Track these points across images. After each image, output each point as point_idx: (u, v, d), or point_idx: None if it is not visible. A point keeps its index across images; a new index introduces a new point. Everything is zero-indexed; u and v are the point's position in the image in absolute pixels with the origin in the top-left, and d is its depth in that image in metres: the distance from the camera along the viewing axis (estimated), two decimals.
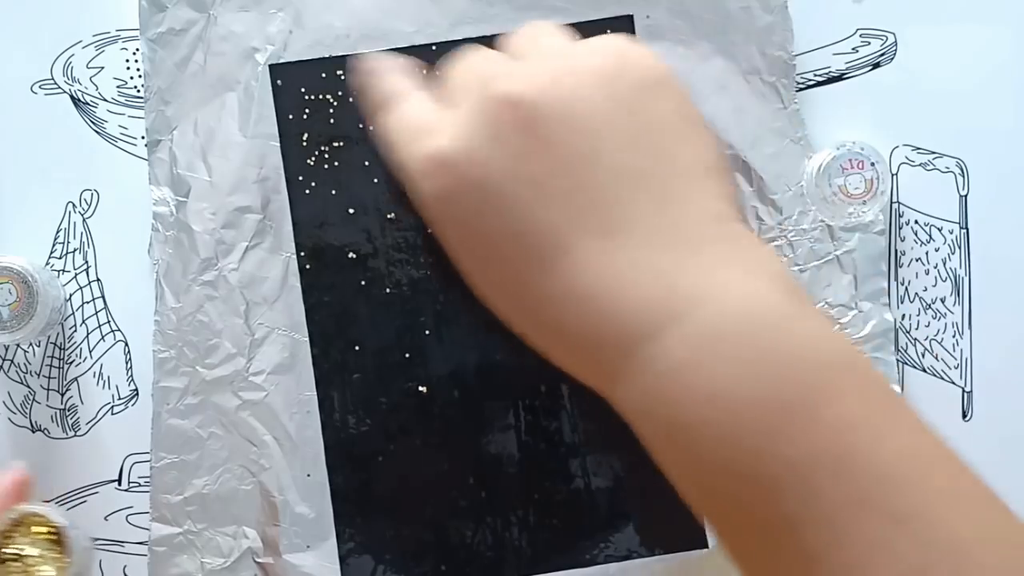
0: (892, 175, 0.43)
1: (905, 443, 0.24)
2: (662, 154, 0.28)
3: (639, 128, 0.28)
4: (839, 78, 0.44)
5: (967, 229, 0.44)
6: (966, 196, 0.44)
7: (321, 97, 0.42)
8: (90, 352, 0.43)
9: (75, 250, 0.43)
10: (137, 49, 0.43)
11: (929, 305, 0.44)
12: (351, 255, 0.42)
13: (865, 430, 0.24)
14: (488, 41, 0.42)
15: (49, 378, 0.43)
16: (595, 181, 0.27)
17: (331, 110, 0.42)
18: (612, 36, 0.30)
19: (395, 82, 0.33)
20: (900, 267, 0.44)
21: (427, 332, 0.42)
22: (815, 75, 0.43)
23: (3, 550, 0.37)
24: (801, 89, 0.43)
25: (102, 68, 0.43)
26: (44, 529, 0.38)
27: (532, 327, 0.29)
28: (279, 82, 0.42)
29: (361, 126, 0.42)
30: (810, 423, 0.24)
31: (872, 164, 0.42)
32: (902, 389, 0.43)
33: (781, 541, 0.24)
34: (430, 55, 0.42)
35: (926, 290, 0.44)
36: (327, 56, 0.42)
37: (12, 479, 0.38)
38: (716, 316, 0.26)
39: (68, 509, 0.43)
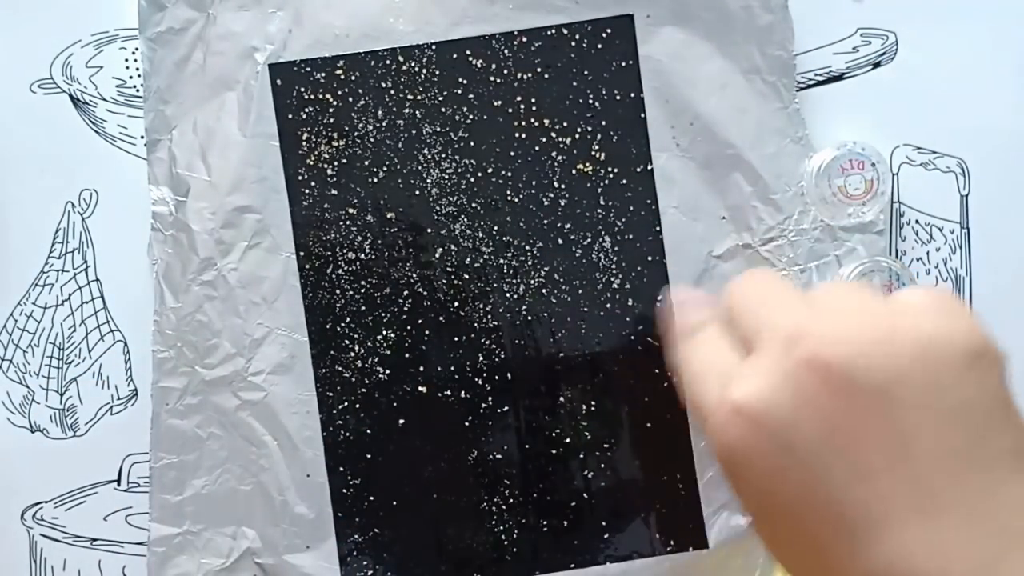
0: (893, 175, 0.43)
1: None
2: (981, 436, 0.27)
3: (959, 405, 0.27)
4: (840, 78, 0.44)
5: (968, 229, 0.43)
6: (967, 196, 0.43)
7: (321, 97, 0.42)
8: (89, 352, 0.43)
9: (74, 250, 0.43)
10: (136, 48, 0.43)
11: None
12: (351, 255, 0.42)
13: None
14: (488, 41, 0.42)
15: (48, 378, 0.43)
16: (913, 458, 0.26)
17: (331, 110, 0.42)
18: (926, 294, 0.28)
19: (695, 313, 0.33)
20: None
21: (427, 332, 0.42)
22: (815, 75, 0.43)
23: None
24: (801, 89, 0.43)
25: (101, 67, 0.43)
26: None
27: None
28: (279, 82, 0.42)
29: (361, 126, 0.42)
30: None
31: (872, 164, 0.42)
32: None
33: None
34: (430, 55, 0.42)
35: None
36: (327, 56, 0.42)
37: None
38: None
39: (67, 510, 0.43)
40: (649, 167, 0.42)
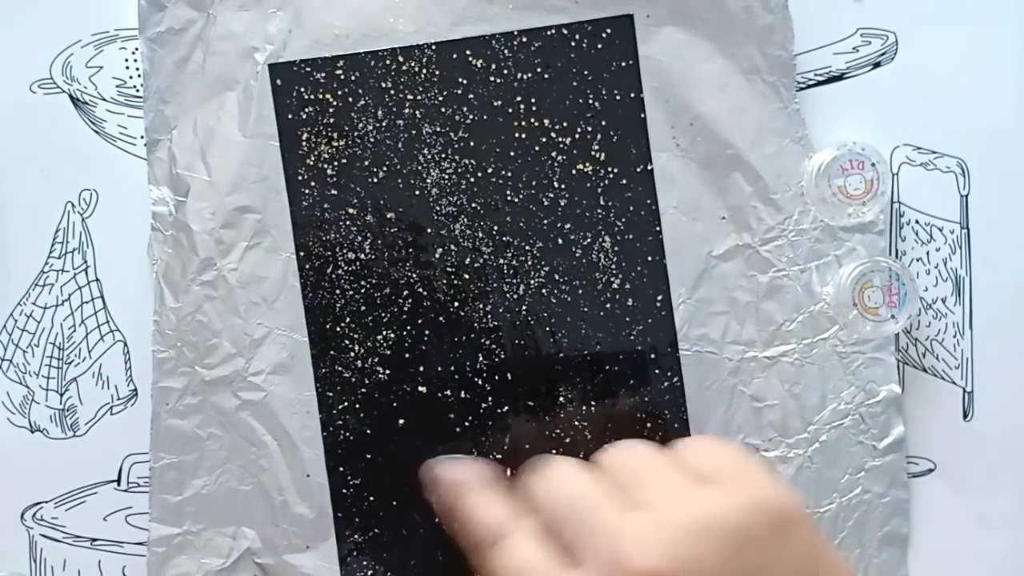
0: (893, 175, 0.43)
1: None
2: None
3: (796, 555, 0.29)
4: (839, 78, 0.44)
5: (968, 229, 0.43)
6: (967, 196, 0.43)
7: (321, 97, 0.42)
8: (89, 352, 0.43)
9: (74, 250, 0.43)
10: (136, 48, 0.43)
11: (930, 305, 0.44)
12: (351, 255, 0.42)
13: None
14: (488, 41, 0.42)
15: (48, 378, 0.43)
16: None
17: (331, 110, 0.42)
18: (734, 462, 0.31)
19: (490, 509, 0.34)
20: None
21: (427, 332, 0.42)
22: (815, 75, 0.43)
23: None
24: (801, 89, 0.43)
25: (101, 67, 0.43)
26: None
27: None
28: (279, 82, 0.42)
29: (361, 126, 0.42)
30: None
31: (872, 164, 0.42)
32: (903, 390, 0.43)
33: None
34: (430, 55, 0.42)
35: (927, 290, 0.44)
36: (327, 56, 0.42)
37: None
38: None
39: (67, 510, 0.43)
40: (649, 167, 0.42)
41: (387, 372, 0.42)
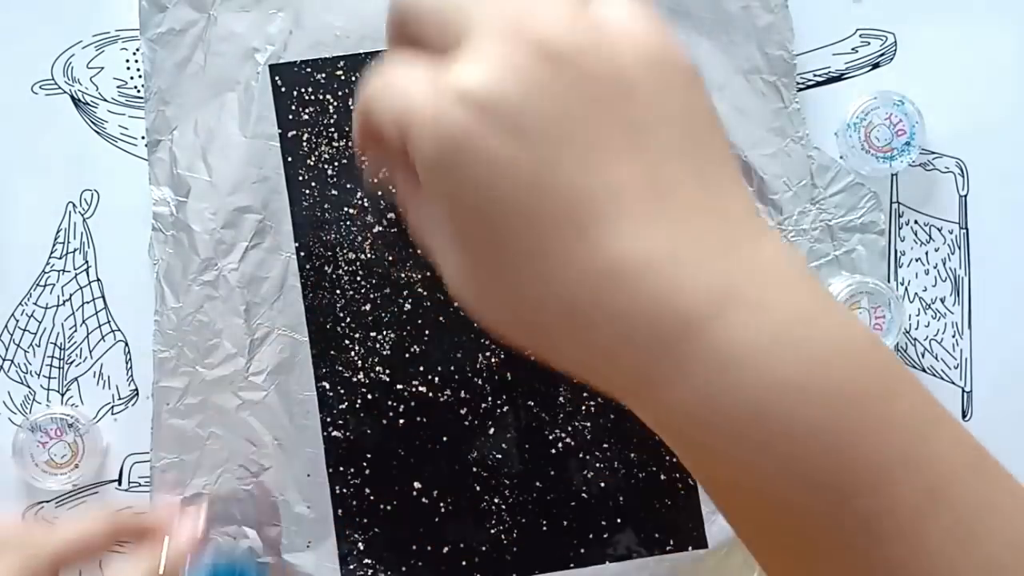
0: (892, 175, 0.43)
1: (968, 441, 0.25)
2: (707, 144, 0.25)
3: (690, 110, 0.25)
4: (839, 78, 0.44)
5: (967, 229, 0.44)
6: (966, 196, 0.44)
7: (321, 97, 0.42)
8: (90, 352, 0.43)
9: (75, 250, 0.43)
10: (137, 49, 0.43)
11: (929, 305, 0.44)
12: (351, 255, 0.42)
13: (935, 427, 0.24)
14: None
15: (49, 378, 0.43)
16: (646, 150, 0.24)
17: (331, 110, 0.42)
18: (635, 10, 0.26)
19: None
20: (900, 267, 0.44)
21: (427, 332, 0.42)
22: (815, 75, 0.43)
23: None
24: (801, 89, 0.43)
25: (102, 68, 0.43)
26: None
27: (553, 316, 0.25)
28: (279, 82, 0.42)
29: None
30: (884, 419, 0.23)
31: (903, 115, 0.42)
32: None
33: (852, 544, 0.23)
34: None
35: (926, 290, 0.44)
36: (327, 56, 0.42)
37: (196, 532, 0.38)
38: (785, 302, 0.24)
39: (68, 509, 0.43)
40: None
41: (387, 372, 0.42)
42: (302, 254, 0.42)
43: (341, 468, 0.42)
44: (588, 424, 0.42)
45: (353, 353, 0.42)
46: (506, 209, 0.25)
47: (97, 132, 0.43)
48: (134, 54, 0.43)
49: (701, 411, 0.24)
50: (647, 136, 0.25)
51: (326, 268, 0.42)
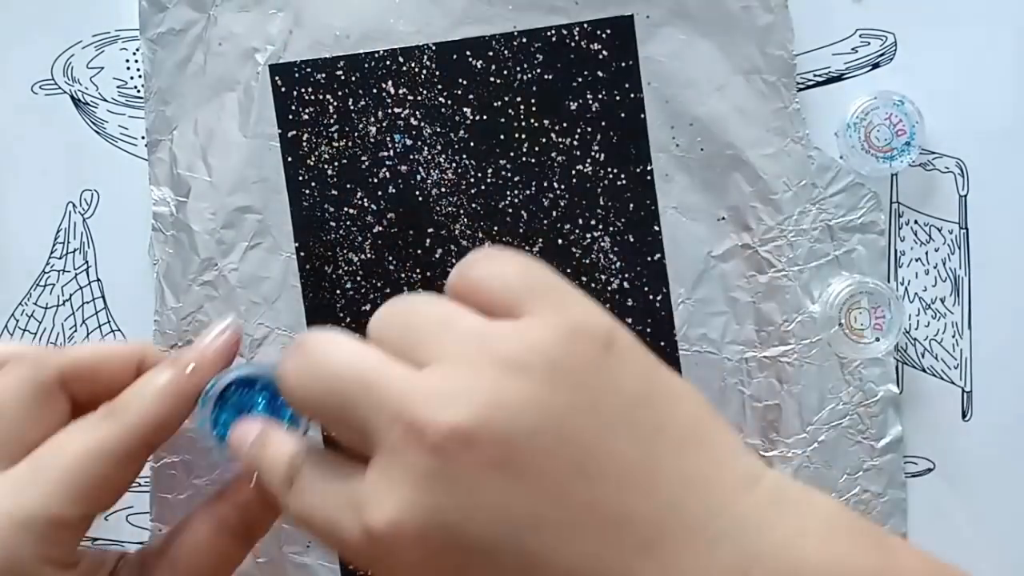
0: (892, 175, 0.43)
1: None
2: (657, 429, 0.23)
3: (617, 409, 0.23)
4: (839, 78, 0.44)
5: (967, 229, 0.44)
6: (966, 196, 0.44)
7: (321, 97, 0.42)
8: None
9: (75, 250, 0.43)
10: (137, 49, 0.43)
11: (929, 305, 0.44)
12: (351, 255, 0.42)
13: None
14: (488, 41, 0.42)
15: None
16: (606, 494, 0.23)
17: (331, 110, 0.42)
18: (534, 283, 0.25)
19: (280, 447, 0.28)
20: (900, 267, 0.44)
21: None
22: (815, 75, 0.43)
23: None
24: (801, 89, 0.43)
25: (102, 68, 0.43)
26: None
27: None
28: (279, 82, 0.42)
29: (361, 126, 0.42)
30: None
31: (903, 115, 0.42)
32: (901, 390, 0.43)
33: None
34: (430, 55, 0.42)
35: (926, 290, 0.44)
36: (327, 57, 0.42)
37: (224, 340, 0.35)
38: None
39: None
40: (649, 167, 0.42)
41: None
42: (302, 254, 0.42)
43: None
44: None
45: None
46: None
47: (97, 132, 0.43)
48: (134, 54, 0.43)
49: None
50: (598, 479, 0.23)
51: (326, 268, 0.42)
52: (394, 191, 0.42)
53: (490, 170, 0.42)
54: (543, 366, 0.23)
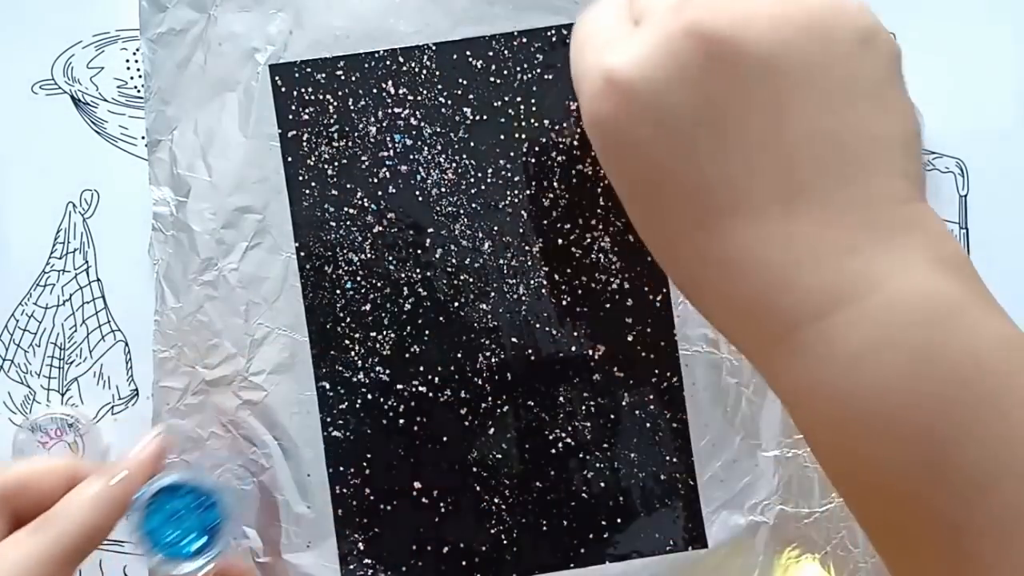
0: None
1: None
2: (858, 120, 0.25)
3: (839, 88, 0.25)
4: None
5: (967, 229, 0.44)
6: (966, 196, 0.44)
7: (321, 97, 0.42)
8: (90, 352, 0.43)
9: (75, 250, 0.43)
10: (137, 49, 0.43)
11: None
12: (351, 255, 0.42)
13: None
14: (488, 41, 0.42)
15: (49, 378, 0.43)
16: (783, 139, 0.24)
17: (331, 110, 0.42)
18: None
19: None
20: None
21: (427, 332, 0.42)
22: None
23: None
24: None
25: (102, 68, 0.43)
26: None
27: (687, 281, 0.27)
28: (279, 82, 0.42)
29: (361, 126, 0.42)
30: (991, 428, 0.22)
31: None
32: None
33: (945, 545, 0.23)
34: (430, 55, 0.42)
35: None
36: (327, 56, 0.42)
37: (151, 450, 0.37)
38: (892, 303, 0.23)
39: None
40: None
41: (387, 372, 0.42)
42: (302, 254, 0.42)
43: (341, 468, 0.42)
44: (588, 424, 0.42)
45: (353, 353, 0.42)
46: (648, 189, 0.26)
47: (97, 132, 0.43)
48: (134, 54, 0.43)
49: (806, 399, 0.24)
50: (789, 123, 0.24)
51: (326, 268, 0.42)
52: (394, 191, 0.42)
53: (490, 170, 0.42)
54: (803, 19, 0.25)
